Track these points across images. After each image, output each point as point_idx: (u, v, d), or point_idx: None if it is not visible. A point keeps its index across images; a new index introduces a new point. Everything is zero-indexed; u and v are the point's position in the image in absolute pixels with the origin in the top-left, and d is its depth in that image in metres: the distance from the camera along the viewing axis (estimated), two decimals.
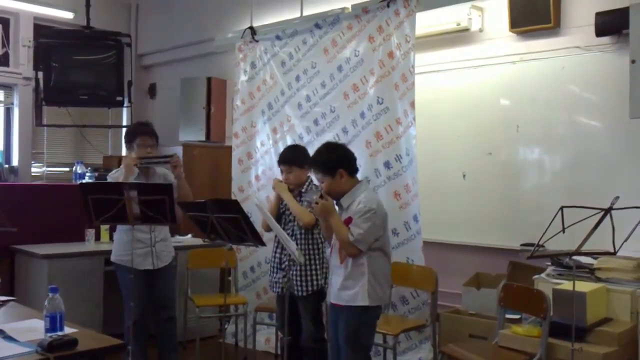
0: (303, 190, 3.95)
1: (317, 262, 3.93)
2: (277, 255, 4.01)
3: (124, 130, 7.50)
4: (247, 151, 5.57)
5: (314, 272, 3.89)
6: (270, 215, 3.71)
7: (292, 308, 3.84)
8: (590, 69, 4.31)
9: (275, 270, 4.01)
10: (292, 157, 3.99)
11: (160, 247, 4.15)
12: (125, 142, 4.23)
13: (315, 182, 4.10)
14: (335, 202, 3.33)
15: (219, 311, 5.16)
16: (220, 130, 6.59)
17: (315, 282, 3.89)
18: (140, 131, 4.16)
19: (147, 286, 4.09)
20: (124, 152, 7.65)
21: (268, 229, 3.88)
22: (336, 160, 3.31)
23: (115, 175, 4.13)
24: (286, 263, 3.89)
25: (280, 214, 3.99)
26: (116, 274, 4.22)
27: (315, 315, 3.95)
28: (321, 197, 3.28)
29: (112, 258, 4.20)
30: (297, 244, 3.87)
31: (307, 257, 3.88)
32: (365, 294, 3.20)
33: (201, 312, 4.68)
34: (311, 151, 4.85)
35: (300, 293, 3.87)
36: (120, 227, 4.19)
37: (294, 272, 3.88)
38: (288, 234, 3.89)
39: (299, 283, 3.87)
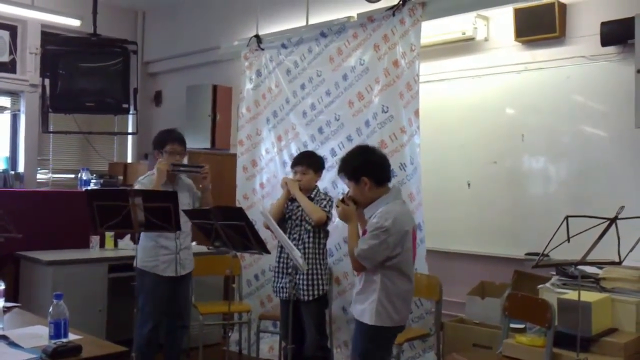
0: (312, 195, 3.97)
1: (323, 267, 3.97)
2: (283, 260, 4.01)
3: (130, 137, 7.70)
4: (252, 159, 5.58)
5: (319, 277, 3.92)
6: (275, 224, 3.71)
7: (295, 316, 3.84)
8: (596, 79, 4.31)
9: (281, 275, 4.01)
10: (312, 160, 4.05)
11: (184, 254, 4.12)
12: (155, 148, 4.19)
13: (322, 189, 4.14)
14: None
15: (223, 319, 5.16)
16: (225, 138, 6.61)
17: (320, 287, 3.92)
18: (172, 138, 4.16)
19: (168, 293, 4.07)
20: (129, 159, 7.71)
21: (278, 217, 3.88)
22: (361, 166, 3.07)
23: (144, 181, 4.10)
24: (292, 268, 3.89)
25: (287, 218, 4.00)
26: (135, 280, 4.07)
27: (319, 322, 3.96)
28: (342, 201, 3.14)
29: (136, 264, 4.10)
30: (304, 248, 3.90)
31: (313, 261, 3.91)
32: (372, 313, 3.02)
33: (205, 320, 4.67)
34: None
35: (306, 298, 3.88)
36: (144, 233, 4.14)
37: (300, 277, 3.89)
38: (294, 238, 3.92)
39: (305, 287, 3.89)
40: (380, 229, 2.95)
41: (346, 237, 3.32)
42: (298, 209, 3.98)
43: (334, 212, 3.55)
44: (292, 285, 3.87)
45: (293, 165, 4.10)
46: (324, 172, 4.89)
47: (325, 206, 3.93)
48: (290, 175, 4.16)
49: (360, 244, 3.01)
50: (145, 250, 4.07)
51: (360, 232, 3.11)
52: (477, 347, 4.08)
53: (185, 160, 4.49)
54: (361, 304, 3.10)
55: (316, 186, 4.07)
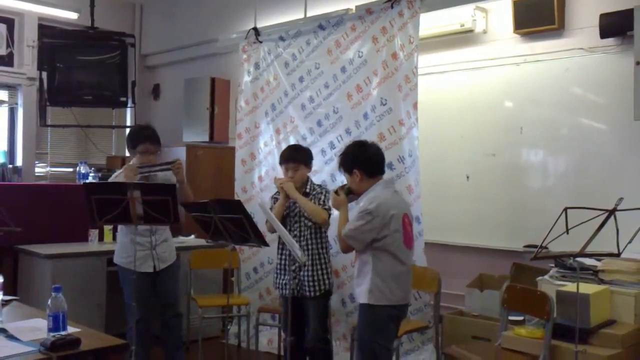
0: (307, 189, 3.96)
1: (326, 261, 3.96)
2: (285, 257, 3.99)
3: (127, 131, 7.67)
4: (251, 152, 5.57)
5: (324, 272, 3.92)
6: (274, 216, 3.70)
7: (295, 309, 3.84)
8: (595, 71, 4.30)
9: (283, 272, 3.99)
10: (300, 155, 4.02)
11: (161, 248, 4.14)
12: (128, 147, 4.19)
13: (315, 181, 4.13)
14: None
15: (222, 312, 5.15)
16: (223, 131, 6.60)
17: (325, 282, 3.92)
18: (143, 137, 4.09)
19: (150, 287, 4.10)
20: (127, 153, 7.67)
21: (272, 230, 3.88)
22: (353, 159, 3.37)
23: (118, 177, 4.11)
24: (296, 264, 3.88)
25: (285, 215, 3.98)
26: (118, 275, 4.22)
27: (323, 315, 3.95)
28: (336, 192, 3.44)
29: (115, 260, 4.20)
30: (305, 244, 3.89)
31: (316, 257, 3.90)
32: (367, 292, 3.23)
33: (204, 313, 4.67)
34: (314, 152, 4.89)
35: (311, 294, 3.88)
36: (121, 229, 4.20)
37: (305, 273, 3.88)
38: (295, 235, 3.90)
39: (310, 284, 3.88)
40: (365, 211, 3.21)
41: None
42: (295, 205, 3.96)
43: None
44: (296, 282, 3.87)
45: (283, 162, 4.04)
46: (323, 165, 4.92)
47: (324, 202, 3.91)
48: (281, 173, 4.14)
49: (348, 225, 3.27)
50: (122, 246, 4.12)
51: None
52: (476, 340, 4.08)
53: (173, 154, 4.47)
54: (359, 287, 3.31)
55: (308, 178, 4.04)
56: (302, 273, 3.89)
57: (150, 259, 4.08)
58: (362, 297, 3.26)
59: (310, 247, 3.91)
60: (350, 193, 3.43)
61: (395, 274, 3.25)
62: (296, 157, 3.99)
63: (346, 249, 3.36)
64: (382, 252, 3.23)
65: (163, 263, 4.14)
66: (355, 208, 3.49)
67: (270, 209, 3.93)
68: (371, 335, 3.27)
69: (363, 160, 3.35)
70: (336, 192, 3.48)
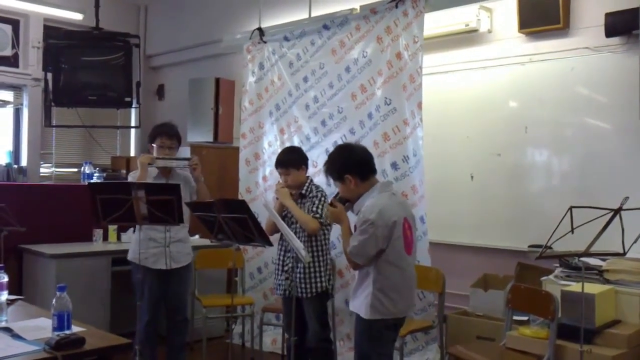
0: (303, 191, 3.94)
1: (322, 263, 3.91)
2: (281, 257, 3.99)
3: (132, 131, 7.71)
4: (255, 152, 5.57)
5: (317, 274, 3.88)
6: (278, 217, 3.70)
7: (298, 309, 3.84)
8: (600, 70, 4.29)
9: (278, 272, 4.00)
10: (288, 159, 3.97)
11: (176, 247, 4.11)
12: (147, 142, 4.24)
13: (315, 182, 4.11)
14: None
15: (226, 312, 5.17)
16: (228, 131, 6.60)
17: (319, 284, 3.87)
18: (160, 132, 4.17)
19: (160, 286, 4.07)
20: (132, 153, 7.72)
21: (272, 232, 3.87)
22: (342, 166, 3.15)
23: (135, 175, 4.12)
24: (289, 265, 3.88)
25: (283, 216, 3.97)
26: (130, 273, 4.18)
27: (321, 315, 3.94)
28: (331, 204, 3.23)
29: (129, 256, 4.16)
30: None
31: (311, 258, 3.87)
32: (368, 307, 3.04)
33: (208, 313, 4.68)
34: (317, 152, 4.93)
35: (304, 295, 3.86)
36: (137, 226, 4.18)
37: (297, 274, 3.87)
38: None
39: (302, 285, 3.86)
40: (366, 222, 2.99)
41: None
42: None
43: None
44: (288, 283, 3.86)
45: (275, 167, 4.07)
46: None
47: (317, 208, 3.84)
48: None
49: (351, 241, 3.07)
50: (137, 243, 4.09)
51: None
52: (481, 339, 4.08)
53: (181, 154, 4.49)
54: (357, 298, 3.14)
55: (307, 178, 4.00)
56: (294, 274, 3.87)
57: (164, 257, 4.05)
58: (362, 310, 3.08)
59: (306, 249, 3.86)
60: (346, 201, 3.19)
61: (396, 284, 3.06)
62: (283, 161, 3.96)
63: (356, 266, 3.11)
64: (383, 264, 3.03)
65: (176, 263, 4.09)
66: (352, 217, 3.25)
67: None
68: (370, 346, 3.13)
69: (353, 164, 3.13)
70: (331, 204, 3.24)
